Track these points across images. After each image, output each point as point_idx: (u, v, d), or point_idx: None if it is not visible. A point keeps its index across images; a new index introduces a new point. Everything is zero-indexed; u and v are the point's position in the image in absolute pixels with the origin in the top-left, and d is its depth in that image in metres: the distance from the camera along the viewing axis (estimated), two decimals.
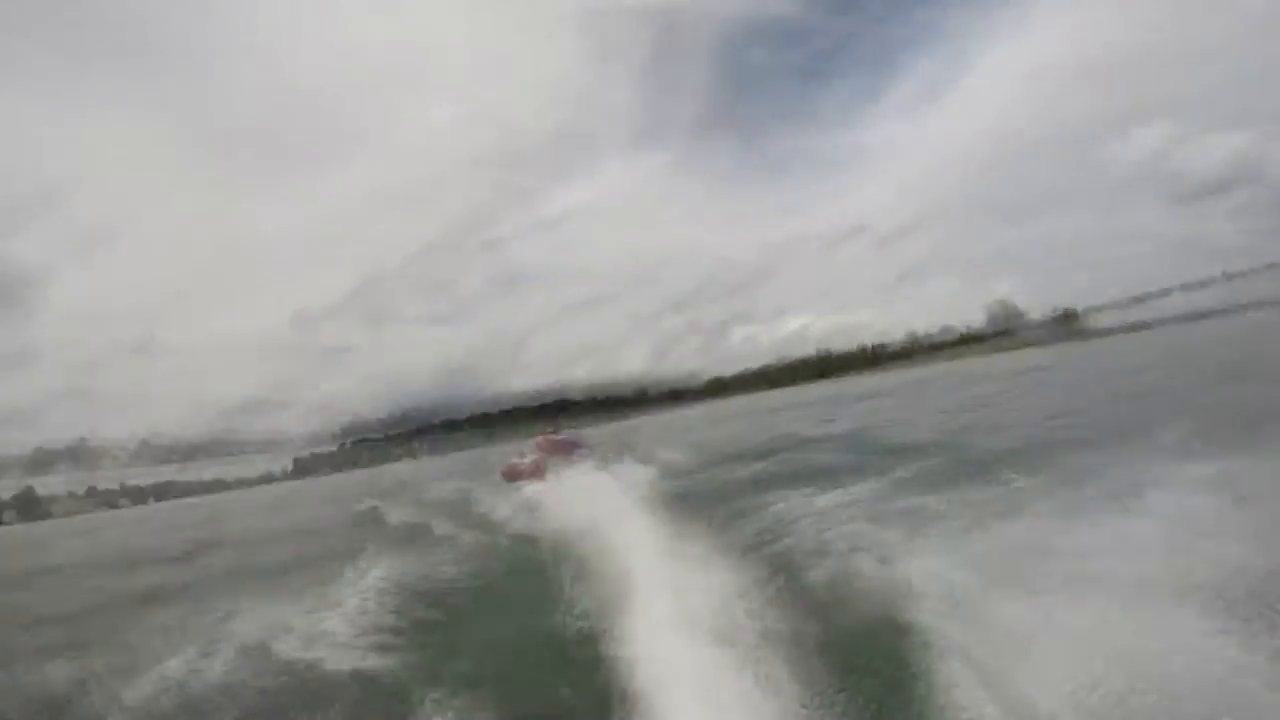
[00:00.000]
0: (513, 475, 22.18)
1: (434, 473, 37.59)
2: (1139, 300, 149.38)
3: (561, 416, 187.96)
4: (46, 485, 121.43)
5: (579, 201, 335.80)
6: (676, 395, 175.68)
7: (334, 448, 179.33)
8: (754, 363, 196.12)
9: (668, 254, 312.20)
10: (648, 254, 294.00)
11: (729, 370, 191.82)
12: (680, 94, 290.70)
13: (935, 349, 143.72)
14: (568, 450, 22.98)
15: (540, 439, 24.53)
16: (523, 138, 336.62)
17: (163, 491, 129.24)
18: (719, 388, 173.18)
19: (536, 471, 21.26)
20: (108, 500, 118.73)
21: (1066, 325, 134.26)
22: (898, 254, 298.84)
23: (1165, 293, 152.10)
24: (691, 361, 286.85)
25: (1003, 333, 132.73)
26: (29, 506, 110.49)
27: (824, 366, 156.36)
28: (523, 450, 24.43)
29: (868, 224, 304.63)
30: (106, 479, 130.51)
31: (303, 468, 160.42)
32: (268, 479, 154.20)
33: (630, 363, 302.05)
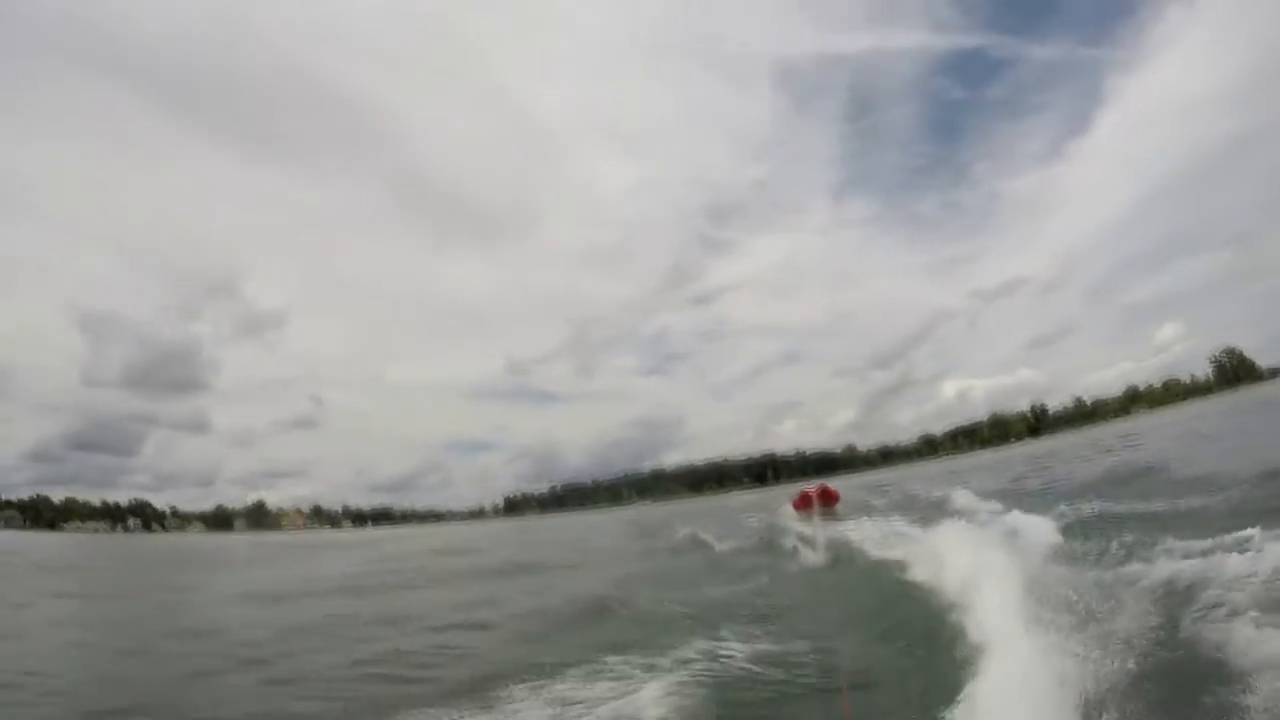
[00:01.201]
0: (803, 504, 25.31)
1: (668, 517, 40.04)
2: None
3: (770, 473, 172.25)
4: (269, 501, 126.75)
5: (779, 255, 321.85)
6: (887, 454, 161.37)
7: (544, 489, 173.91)
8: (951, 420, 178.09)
9: (872, 306, 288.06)
10: (851, 306, 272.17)
11: (939, 428, 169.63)
12: (879, 140, 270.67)
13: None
14: (833, 500, 25.11)
15: (804, 492, 26.72)
16: (720, 192, 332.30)
17: (380, 516, 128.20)
18: (930, 446, 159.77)
19: (827, 499, 25.16)
20: (331, 520, 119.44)
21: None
22: (1057, 305, 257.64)
23: None
24: (901, 416, 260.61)
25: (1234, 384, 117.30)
26: (259, 517, 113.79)
27: (1036, 424, 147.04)
28: (804, 490, 26.98)
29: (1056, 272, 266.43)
30: (330, 500, 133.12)
31: (513, 506, 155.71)
32: (479, 514, 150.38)
33: (835, 419, 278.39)
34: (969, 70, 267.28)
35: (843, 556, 12.44)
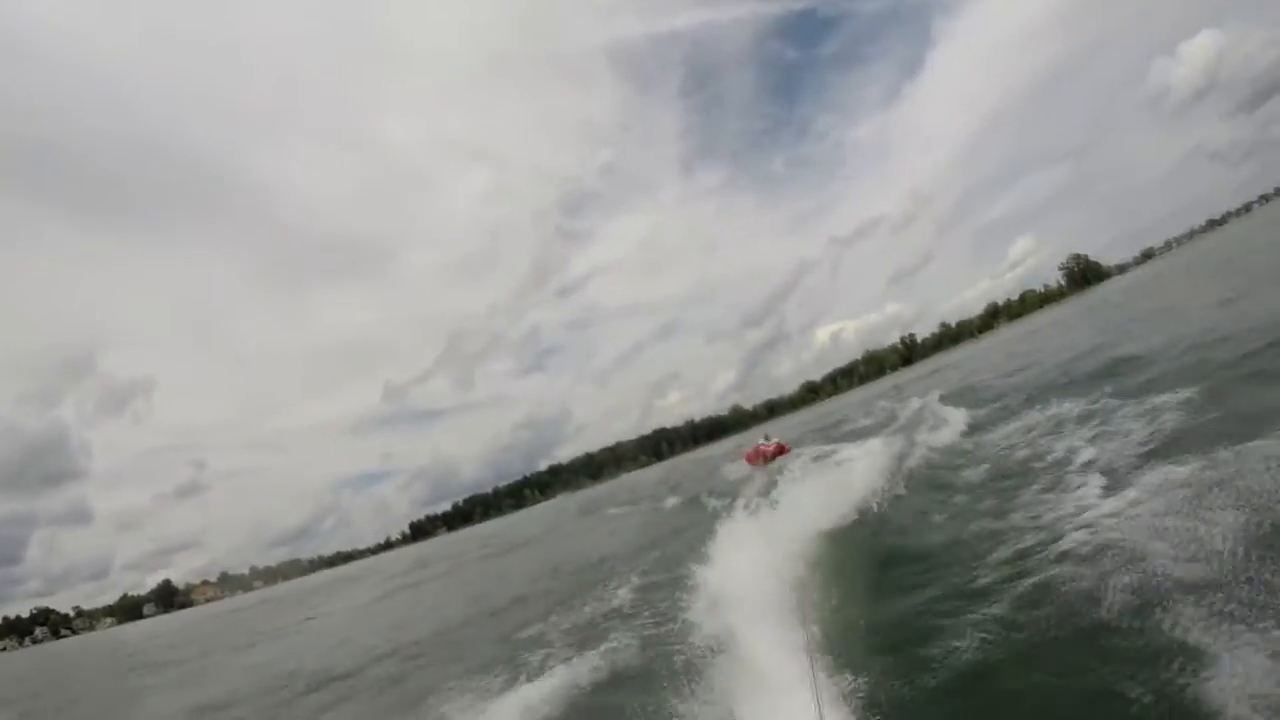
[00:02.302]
0: (756, 458, 25.20)
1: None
2: (1214, 224, 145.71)
3: (665, 447, 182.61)
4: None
5: (639, 235, 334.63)
6: (772, 408, 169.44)
7: (447, 507, 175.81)
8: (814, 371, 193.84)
9: (736, 269, 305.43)
10: (716, 272, 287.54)
11: (818, 374, 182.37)
12: (722, 109, 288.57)
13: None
14: (783, 452, 24.29)
15: (755, 448, 26.29)
16: (572, 184, 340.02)
17: (289, 570, 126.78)
18: (812, 392, 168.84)
19: (781, 452, 24.04)
20: (241, 584, 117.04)
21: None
22: (915, 239, 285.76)
23: (1245, 209, 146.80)
24: (780, 370, 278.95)
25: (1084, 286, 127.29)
26: (168, 597, 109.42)
27: (908, 354, 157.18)
28: (759, 445, 26.06)
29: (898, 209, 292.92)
30: (233, 565, 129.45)
31: (419, 530, 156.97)
32: (387, 545, 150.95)
33: (717, 383, 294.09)
34: (801, 31, 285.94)
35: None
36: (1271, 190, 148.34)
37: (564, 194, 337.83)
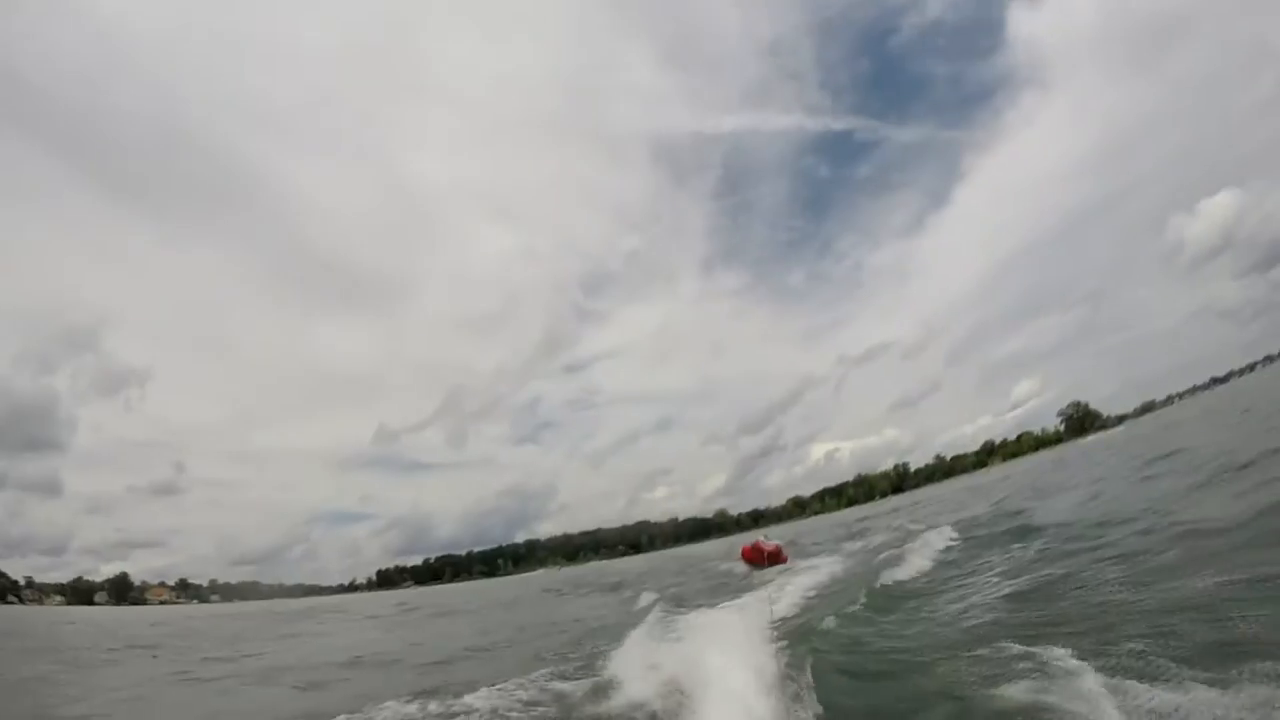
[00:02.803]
0: (754, 554, 24.50)
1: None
2: (1217, 381, 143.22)
3: (644, 540, 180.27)
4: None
5: (651, 325, 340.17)
6: (757, 517, 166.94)
7: (418, 561, 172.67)
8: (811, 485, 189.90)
9: (742, 374, 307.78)
10: (721, 374, 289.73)
11: (808, 489, 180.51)
12: (750, 215, 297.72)
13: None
14: (779, 558, 24.18)
15: (755, 544, 25.57)
16: (595, 262, 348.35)
17: (247, 590, 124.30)
18: (799, 507, 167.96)
19: (777, 556, 23.91)
20: (199, 594, 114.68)
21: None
22: (923, 368, 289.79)
23: (1248, 368, 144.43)
24: (771, 480, 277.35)
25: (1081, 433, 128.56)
26: (123, 590, 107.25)
27: (899, 482, 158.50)
28: (758, 543, 25.52)
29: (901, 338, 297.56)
30: (193, 573, 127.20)
31: (386, 579, 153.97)
32: (350, 588, 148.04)
33: (706, 485, 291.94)
34: (837, 150, 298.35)
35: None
36: (1277, 351, 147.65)
37: (586, 271, 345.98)
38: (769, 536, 27.14)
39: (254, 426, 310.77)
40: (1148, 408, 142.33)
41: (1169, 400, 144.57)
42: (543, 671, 10.71)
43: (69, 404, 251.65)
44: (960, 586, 12.04)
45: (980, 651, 7.28)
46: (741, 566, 25.23)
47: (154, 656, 21.64)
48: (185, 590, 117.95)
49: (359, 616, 40.36)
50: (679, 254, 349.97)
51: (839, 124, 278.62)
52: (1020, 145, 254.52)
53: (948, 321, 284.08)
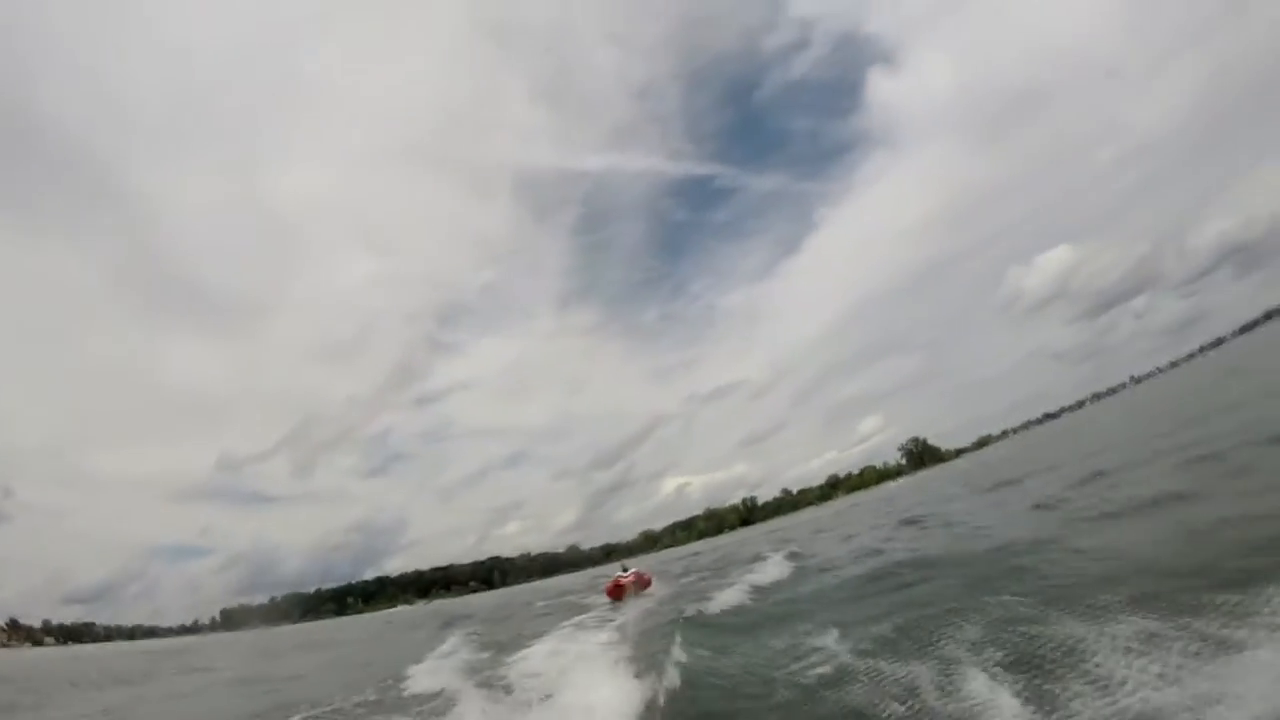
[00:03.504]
0: (616, 592, 23.59)
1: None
2: (1049, 417, 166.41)
3: (496, 575, 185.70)
4: None
5: (506, 359, 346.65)
6: (609, 551, 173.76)
7: (263, 599, 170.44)
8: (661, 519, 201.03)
9: (595, 409, 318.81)
10: (575, 410, 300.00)
11: (659, 523, 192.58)
12: (607, 253, 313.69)
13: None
14: (646, 584, 24.56)
15: (615, 580, 24.83)
16: (451, 293, 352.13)
17: (83, 633, 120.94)
18: (650, 541, 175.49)
19: (640, 584, 24.13)
20: (31, 636, 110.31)
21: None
22: (769, 406, 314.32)
23: (1077, 405, 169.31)
24: (622, 514, 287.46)
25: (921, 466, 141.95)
26: None
27: (747, 515, 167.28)
28: (618, 578, 24.91)
29: (749, 378, 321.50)
30: (22, 613, 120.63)
31: (230, 620, 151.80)
32: (193, 629, 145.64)
33: (559, 519, 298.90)
34: (696, 195, 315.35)
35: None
36: (1105, 389, 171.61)
37: (442, 302, 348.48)
38: (627, 567, 26.64)
39: (88, 449, 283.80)
40: (983, 442, 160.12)
41: (1004, 434, 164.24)
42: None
43: None
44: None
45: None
46: (602, 599, 24.65)
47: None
48: (16, 631, 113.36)
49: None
50: (536, 289, 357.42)
51: (700, 169, 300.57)
52: (871, 200, 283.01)
53: (796, 362, 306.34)
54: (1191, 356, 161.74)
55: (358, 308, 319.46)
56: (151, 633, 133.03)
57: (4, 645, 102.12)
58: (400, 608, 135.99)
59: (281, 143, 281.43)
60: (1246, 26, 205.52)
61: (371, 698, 11.25)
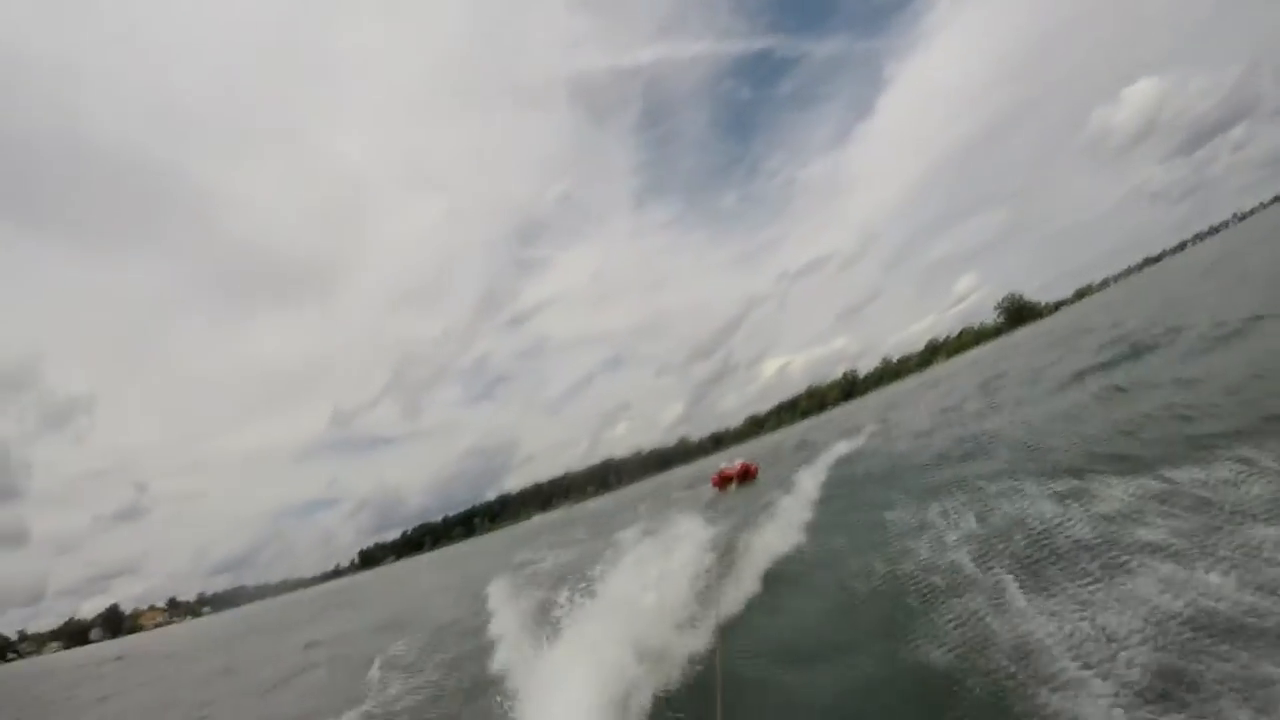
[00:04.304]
0: (722, 483, 24.97)
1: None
2: (1150, 261, 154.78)
3: (612, 477, 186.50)
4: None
5: (590, 266, 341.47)
6: (718, 440, 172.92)
7: (395, 535, 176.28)
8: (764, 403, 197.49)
9: (686, 303, 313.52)
10: (666, 306, 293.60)
11: (763, 407, 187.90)
12: (676, 145, 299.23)
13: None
14: (752, 476, 24.94)
15: (720, 471, 26.18)
16: (527, 212, 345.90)
17: (235, 597, 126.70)
18: (757, 425, 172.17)
19: (747, 473, 24.79)
20: (190, 610, 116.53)
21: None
22: (860, 276, 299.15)
23: (1180, 247, 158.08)
24: (727, 402, 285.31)
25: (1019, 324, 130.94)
26: (116, 622, 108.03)
27: (849, 389, 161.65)
28: (723, 469, 26.17)
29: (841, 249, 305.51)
30: (174, 590, 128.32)
31: (369, 559, 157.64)
32: (335, 574, 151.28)
33: (665, 415, 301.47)
34: (756, 71, 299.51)
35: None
36: (1206, 228, 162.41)
37: (518, 223, 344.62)
38: (734, 461, 26.98)
39: (207, 435, 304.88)
40: (1083, 293, 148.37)
41: (1104, 284, 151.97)
42: None
43: (20, 447, 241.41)
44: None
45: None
46: (710, 491, 25.17)
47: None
48: (176, 609, 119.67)
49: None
50: (610, 192, 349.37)
51: (756, 44, 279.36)
52: (940, 50, 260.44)
53: (883, 228, 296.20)
54: None
55: (436, 246, 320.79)
56: (298, 585, 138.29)
57: (168, 623, 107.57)
58: (523, 523, 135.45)
59: (329, 108, 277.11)
60: None
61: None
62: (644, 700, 5.74)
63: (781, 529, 11.31)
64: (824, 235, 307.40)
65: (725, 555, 10.07)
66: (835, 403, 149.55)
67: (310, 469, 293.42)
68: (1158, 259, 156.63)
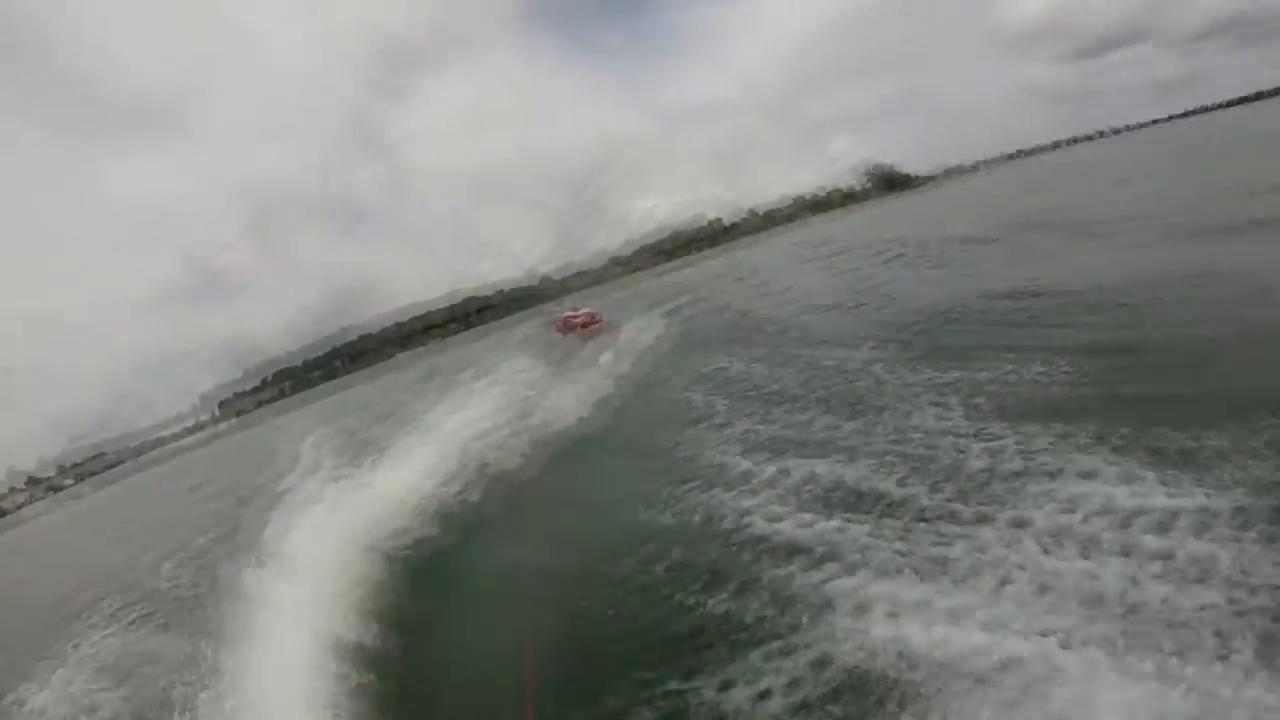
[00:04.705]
0: (566, 328, 24.89)
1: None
2: (1023, 154, 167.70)
3: (478, 315, 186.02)
4: None
5: (462, 97, 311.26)
6: (582, 281, 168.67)
7: (256, 383, 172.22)
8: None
9: (560, 138, 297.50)
10: (539, 141, 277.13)
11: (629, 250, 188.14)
12: None
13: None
14: (594, 323, 24.41)
15: (564, 317, 25.87)
16: (394, 36, 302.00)
17: (97, 464, 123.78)
18: (622, 264, 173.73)
19: (592, 325, 23.97)
20: (53, 484, 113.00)
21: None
22: (739, 126, 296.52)
23: (1054, 146, 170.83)
24: (593, 242, 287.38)
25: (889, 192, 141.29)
26: None
27: (713, 237, 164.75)
28: (567, 315, 25.86)
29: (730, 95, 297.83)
30: (24, 464, 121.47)
31: (231, 410, 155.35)
32: (197, 428, 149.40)
33: (530, 254, 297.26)
34: None
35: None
36: (1081, 134, 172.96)
37: (384, 48, 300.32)
38: (578, 308, 27.94)
39: (51, 288, 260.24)
40: (953, 172, 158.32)
41: (975, 167, 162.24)
42: None
43: None
44: None
45: None
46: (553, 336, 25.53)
47: None
48: (36, 485, 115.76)
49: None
50: (486, 19, 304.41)
51: None
52: None
53: (768, 80, 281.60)
54: (1172, 119, 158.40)
55: (297, 73, 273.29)
56: (157, 443, 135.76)
57: (30, 502, 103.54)
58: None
59: None
60: None
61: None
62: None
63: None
64: (707, 81, 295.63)
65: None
66: (699, 250, 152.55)
67: (164, 319, 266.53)
68: (1030, 153, 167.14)
